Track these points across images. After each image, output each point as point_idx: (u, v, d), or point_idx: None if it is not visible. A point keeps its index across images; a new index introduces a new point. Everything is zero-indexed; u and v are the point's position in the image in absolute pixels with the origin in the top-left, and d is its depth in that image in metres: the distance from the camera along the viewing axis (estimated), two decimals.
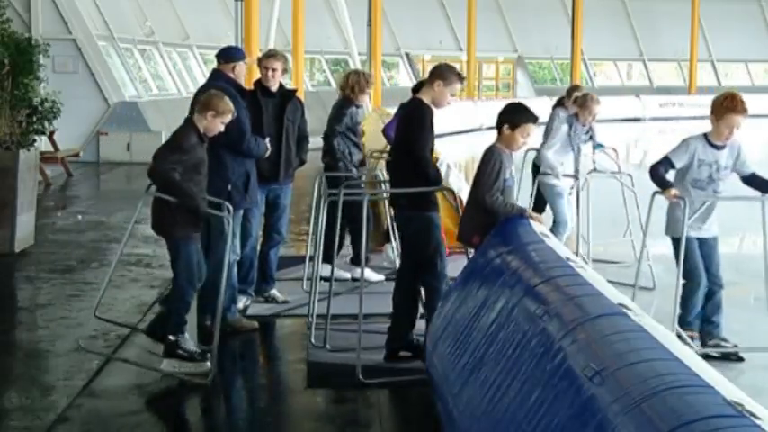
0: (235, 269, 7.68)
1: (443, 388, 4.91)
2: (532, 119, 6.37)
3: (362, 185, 9.05)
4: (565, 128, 10.16)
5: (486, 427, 3.96)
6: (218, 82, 7.62)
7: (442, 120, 31.18)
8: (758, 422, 2.57)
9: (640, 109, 40.33)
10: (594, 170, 10.66)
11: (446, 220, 10.80)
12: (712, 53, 47.25)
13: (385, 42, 35.03)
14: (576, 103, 10.30)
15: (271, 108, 8.07)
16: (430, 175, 6.89)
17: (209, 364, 6.56)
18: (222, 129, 6.85)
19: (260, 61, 8.24)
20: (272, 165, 8.09)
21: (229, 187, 7.47)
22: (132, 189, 17.31)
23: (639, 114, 39.78)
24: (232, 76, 7.72)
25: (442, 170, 10.79)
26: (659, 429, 2.71)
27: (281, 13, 27.10)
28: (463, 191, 10.92)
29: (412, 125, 6.98)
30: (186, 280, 6.70)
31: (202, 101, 6.81)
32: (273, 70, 8.11)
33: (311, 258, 8.53)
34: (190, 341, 6.77)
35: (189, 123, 6.79)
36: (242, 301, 8.15)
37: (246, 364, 7.42)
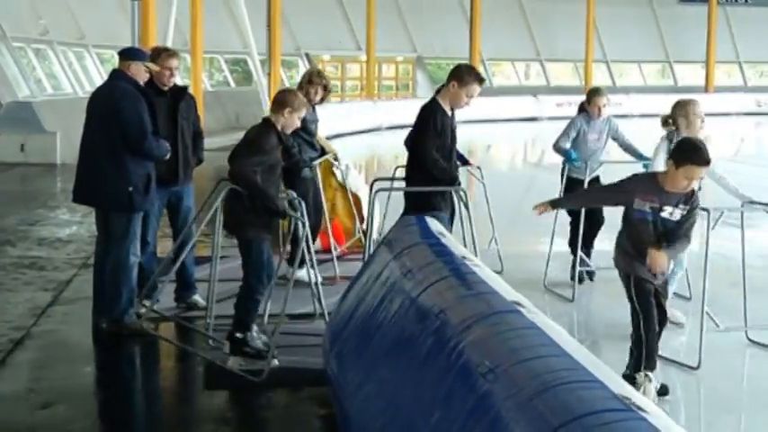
0: (135, 271, 7.59)
1: (341, 387, 4.91)
2: (699, 161, 5.91)
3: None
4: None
5: (383, 426, 3.98)
6: (120, 82, 7.52)
7: (342, 120, 31.19)
8: (644, 415, 2.63)
9: (538, 109, 40.83)
10: (752, 202, 7.48)
11: (344, 220, 10.85)
12: (607, 54, 48.04)
13: (284, 42, 34.92)
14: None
15: (164, 108, 7.92)
16: (434, 176, 7.13)
17: (276, 361, 6.61)
18: (299, 124, 7.07)
19: (155, 60, 8.08)
20: (170, 166, 7.95)
21: (130, 188, 7.37)
22: (27, 191, 17.01)
23: (537, 114, 40.27)
24: (129, 74, 7.59)
25: (340, 170, 10.82)
26: (551, 424, 2.75)
27: (179, 12, 26.86)
28: (361, 191, 10.95)
29: (419, 126, 7.26)
30: (257, 278, 6.75)
31: (276, 99, 6.99)
32: (174, 69, 8.01)
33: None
34: (257, 338, 6.80)
35: (267, 124, 6.88)
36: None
37: (145, 366, 7.33)
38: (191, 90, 8.53)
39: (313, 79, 9.14)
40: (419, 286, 4.58)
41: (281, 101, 6.91)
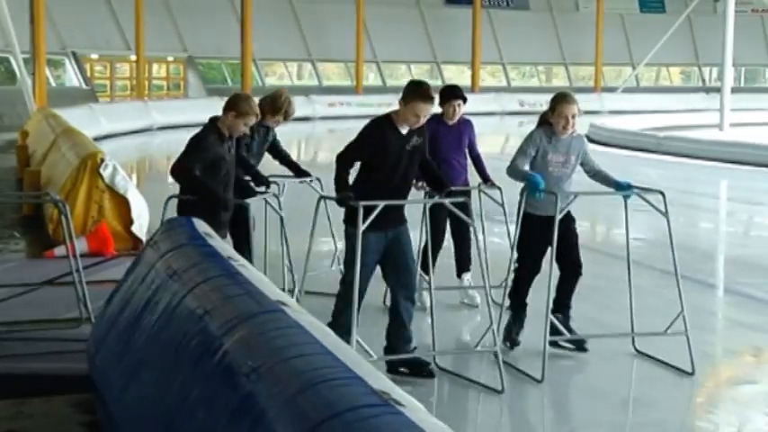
0: None
1: (105, 392, 4.83)
2: None
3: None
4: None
5: (147, 429, 3.93)
6: None
7: (111, 120, 30.40)
8: (401, 409, 2.70)
9: (310, 109, 41.09)
10: None
11: (113, 223, 10.64)
12: (377, 54, 48.79)
13: (49, 41, 33.95)
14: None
15: None
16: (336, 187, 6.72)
17: None
18: (244, 130, 7.17)
19: None
20: None
21: None
22: None
23: (309, 114, 40.53)
24: None
25: (107, 171, 10.61)
26: (312, 420, 2.78)
27: None
28: (129, 191, 10.76)
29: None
30: None
31: (227, 101, 7.10)
32: None
33: None
34: None
35: (211, 122, 7.12)
36: None
37: None
38: None
39: (276, 106, 8.59)
40: (184, 288, 4.53)
41: (229, 103, 7.09)
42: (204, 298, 4.26)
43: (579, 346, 7.38)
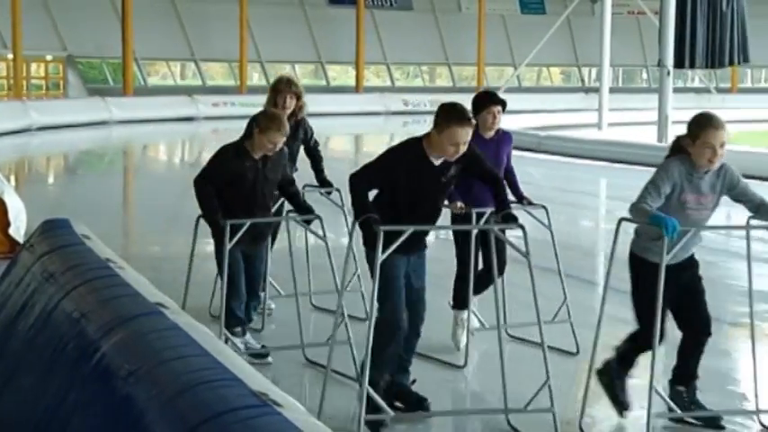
0: None
1: None
2: None
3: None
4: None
5: None
6: None
7: None
8: (280, 409, 2.70)
9: (194, 108, 40.75)
10: None
11: None
12: (261, 54, 48.60)
13: None
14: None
15: None
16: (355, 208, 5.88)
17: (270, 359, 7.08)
18: (270, 147, 6.85)
19: None
20: None
21: None
22: None
23: (193, 113, 40.20)
24: None
25: None
26: (190, 422, 2.77)
27: None
28: (6, 193, 10.55)
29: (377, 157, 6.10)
30: (226, 285, 6.86)
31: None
32: None
33: None
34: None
35: (241, 138, 7.08)
36: None
37: None
38: None
39: (279, 87, 8.10)
40: (61, 291, 4.46)
41: (255, 119, 7.00)
42: (81, 301, 4.20)
43: (711, 423, 5.96)
